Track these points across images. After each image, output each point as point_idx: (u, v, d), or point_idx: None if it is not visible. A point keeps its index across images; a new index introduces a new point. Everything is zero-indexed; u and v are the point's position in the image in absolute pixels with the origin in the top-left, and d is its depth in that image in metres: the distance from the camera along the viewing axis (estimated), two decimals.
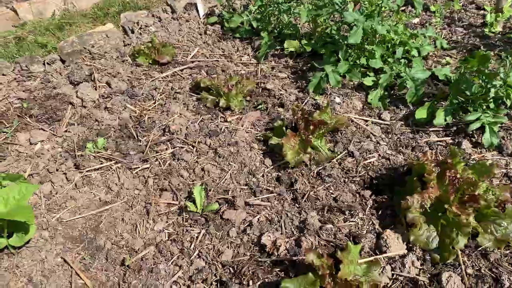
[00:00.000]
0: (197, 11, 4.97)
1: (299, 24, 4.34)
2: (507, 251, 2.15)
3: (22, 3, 6.18)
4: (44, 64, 4.17)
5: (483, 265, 2.10)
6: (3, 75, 4.00)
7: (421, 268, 2.11)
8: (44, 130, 3.33)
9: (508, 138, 2.84)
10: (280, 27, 4.31)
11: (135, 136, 3.21)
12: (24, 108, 3.60)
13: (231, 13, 4.65)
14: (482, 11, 4.60)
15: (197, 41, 4.49)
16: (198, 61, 4.13)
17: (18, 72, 4.04)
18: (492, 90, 2.75)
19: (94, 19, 5.89)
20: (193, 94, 3.65)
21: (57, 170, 2.93)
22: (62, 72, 4.07)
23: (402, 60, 3.48)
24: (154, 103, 3.59)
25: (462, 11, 4.62)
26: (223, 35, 4.57)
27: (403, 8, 4.70)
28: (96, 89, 3.74)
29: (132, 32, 4.71)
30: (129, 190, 2.76)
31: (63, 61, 4.26)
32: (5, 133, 3.34)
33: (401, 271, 2.10)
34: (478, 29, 4.23)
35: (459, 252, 2.13)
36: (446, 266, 2.12)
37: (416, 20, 4.50)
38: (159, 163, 2.93)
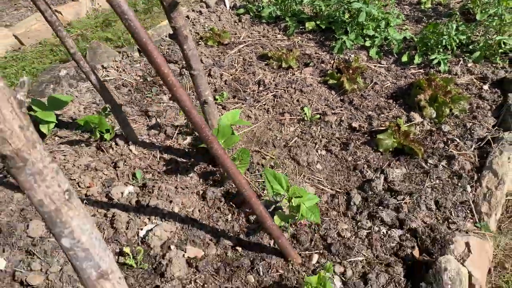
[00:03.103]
0: (225, 5, 6.85)
1: (304, 9, 6.48)
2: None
3: (59, 6, 7.49)
4: (139, 51, 5.84)
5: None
6: (114, 61, 5.62)
7: (428, 130, 4.43)
8: None
9: (452, 65, 5.28)
10: (295, 13, 6.40)
11: (241, 90, 5.15)
12: (148, 80, 5.32)
13: (255, 5, 6.62)
14: None
15: (237, 27, 6.42)
16: (248, 40, 6.08)
17: (126, 58, 5.68)
18: (443, 41, 5.16)
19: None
20: (260, 61, 5.63)
21: None
22: None
23: (384, 28, 5.78)
24: (236, 70, 5.52)
25: None
26: (252, 21, 6.53)
27: None
28: None
29: None
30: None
31: None
32: (149, 97, 5.09)
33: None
34: (417, 6, 6.70)
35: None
36: (441, 124, 4.46)
37: None
38: (270, 99, 4.93)
